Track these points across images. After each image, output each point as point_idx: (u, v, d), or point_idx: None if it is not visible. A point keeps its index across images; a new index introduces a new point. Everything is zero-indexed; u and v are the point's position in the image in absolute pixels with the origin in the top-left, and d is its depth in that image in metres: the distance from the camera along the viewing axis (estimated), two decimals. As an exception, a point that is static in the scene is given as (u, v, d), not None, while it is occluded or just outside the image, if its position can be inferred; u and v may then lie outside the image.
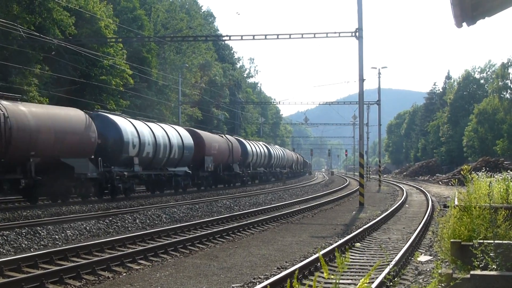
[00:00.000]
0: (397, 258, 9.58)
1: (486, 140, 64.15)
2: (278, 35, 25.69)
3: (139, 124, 24.92)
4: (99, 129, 21.46)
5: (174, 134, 27.79)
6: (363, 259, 10.67)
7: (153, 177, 26.09)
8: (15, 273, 8.83)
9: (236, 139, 40.50)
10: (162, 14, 55.48)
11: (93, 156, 20.99)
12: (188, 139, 29.33)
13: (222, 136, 36.81)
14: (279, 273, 8.66)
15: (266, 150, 48.70)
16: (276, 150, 55.75)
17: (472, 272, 6.17)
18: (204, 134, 32.98)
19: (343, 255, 10.75)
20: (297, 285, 3.70)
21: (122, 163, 23.03)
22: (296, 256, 10.88)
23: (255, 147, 45.24)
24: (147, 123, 26.23)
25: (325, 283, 8.28)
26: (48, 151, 18.50)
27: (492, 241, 7.01)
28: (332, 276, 4.10)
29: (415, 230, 13.97)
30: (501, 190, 11.81)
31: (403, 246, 11.21)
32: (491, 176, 16.06)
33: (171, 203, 21.82)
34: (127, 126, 23.46)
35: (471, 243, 7.34)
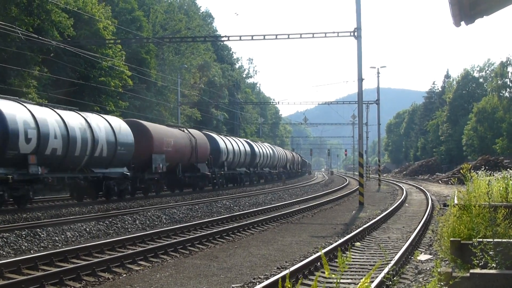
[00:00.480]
0: (397, 257, 9.59)
1: (486, 139, 64.20)
2: (276, 35, 25.69)
3: (42, 111, 18.99)
4: None
5: (102, 125, 21.89)
6: (363, 259, 10.67)
7: (67, 180, 20.15)
8: (15, 275, 8.83)
9: (204, 133, 34.55)
10: (160, 15, 55.50)
11: None
12: (124, 132, 23.27)
13: (183, 130, 30.76)
14: (278, 273, 8.66)
15: (248, 148, 42.77)
16: (263, 148, 49.28)
17: (471, 271, 6.18)
18: (152, 126, 26.91)
19: (345, 255, 10.77)
20: (289, 285, 3.71)
21: (9, 162, 17.31)
22: (296, 256, 10.88)
23: (232, 144, 38.93)
24: (58, 110, 20.17)
25: (325, 282, 8.28)
26: None
27: (491, 240, 7.02)
28: (334, 275, 4.10)
29: (415, 229, 13.98)
30: (501, 188, 11.81)
31: (403, 245, 11.22)
32: (490, 174, 16.06)
33: (171, 203, 21.82)
34: (19, 112, 17.69)
35: (470, 242, 7.35)
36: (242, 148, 40.97)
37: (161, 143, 26.36)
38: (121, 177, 23.13)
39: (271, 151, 51.58)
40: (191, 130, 32.32)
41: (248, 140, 46.22)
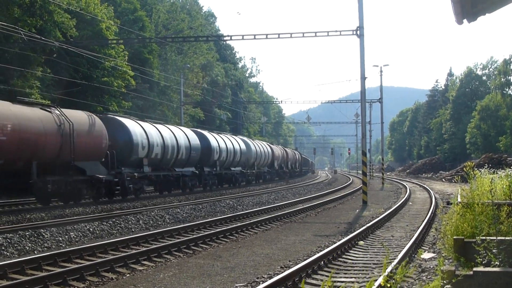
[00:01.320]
0: (400, 255, 9.58)
1: (489, 136, 64.07)
2: (279, 34, 25.68)
3: None
4: None
5: None
6: (366, 257, 10.67)
7: None
8: (19, 275, 8.85)
9: (100, 116, 23.07)
10: (163, 15, 55.57)
11: None
12: None
13: (49, 111, 19.34)
14: (282, 272, 8.65)
15: (196, 141, 31.01)
16: (230, 141, 37.88)
17: (474, 269, 6.16)
18: None
19: (349, 254, 10.74)
20: None
21: None
22: (300, 255, 10.88)
23: (163, 134, 26.77)
24: None
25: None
26: None
27: (494, 238, 7.00)
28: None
29: (418, 228, 13.95)
30: (504, 186, 11.78)
31: (407, 244, 11.20)
32: (494, 172, 16.02)
33: (175, 203, 21.85)
34: None
35: (474, 240, 7.34)
36: (182, 141, 28.89)
37: None
38: None
39: (243, 146, 40.27)
40: (69, 111, 20.66)
41: (203, 132, 34.52)
